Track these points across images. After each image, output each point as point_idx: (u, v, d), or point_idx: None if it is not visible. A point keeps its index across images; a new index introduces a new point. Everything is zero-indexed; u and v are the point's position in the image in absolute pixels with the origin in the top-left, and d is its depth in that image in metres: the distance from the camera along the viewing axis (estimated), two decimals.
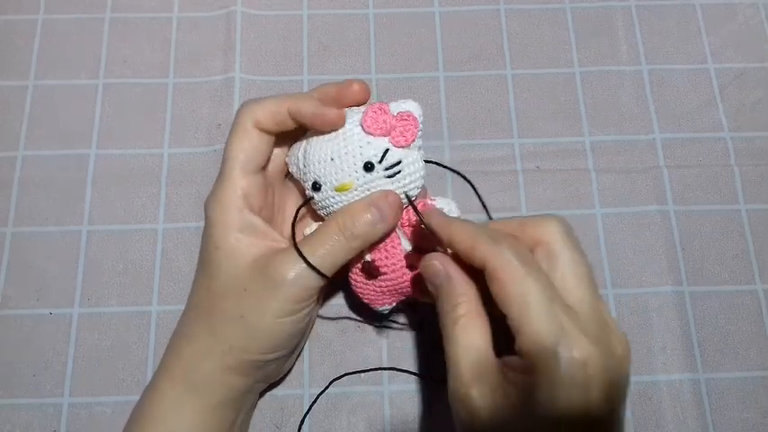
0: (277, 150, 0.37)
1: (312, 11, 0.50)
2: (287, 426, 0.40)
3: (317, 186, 0.35)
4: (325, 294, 0.41)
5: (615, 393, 0.28)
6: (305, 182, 0.36)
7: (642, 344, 0.42)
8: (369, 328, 0.42)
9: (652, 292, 0.43)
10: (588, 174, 0.46)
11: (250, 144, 0.34)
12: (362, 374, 0.41)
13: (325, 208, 0.36)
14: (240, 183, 0.34)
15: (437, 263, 0.32)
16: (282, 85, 0.48)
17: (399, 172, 0.34)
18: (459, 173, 0.38)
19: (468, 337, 0.30)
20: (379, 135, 0.34)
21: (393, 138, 0.34)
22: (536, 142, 0.46)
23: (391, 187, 0.34)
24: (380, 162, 0.34)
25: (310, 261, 0.33)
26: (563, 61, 0.49)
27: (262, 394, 0.40)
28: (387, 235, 0.35)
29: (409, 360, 0.41)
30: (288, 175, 0.39)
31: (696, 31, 0.50)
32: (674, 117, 0.47)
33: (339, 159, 0.34)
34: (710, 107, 0.48)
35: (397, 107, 0.34)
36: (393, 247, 0.35)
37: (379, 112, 0.34)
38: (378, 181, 0.34)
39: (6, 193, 0.44)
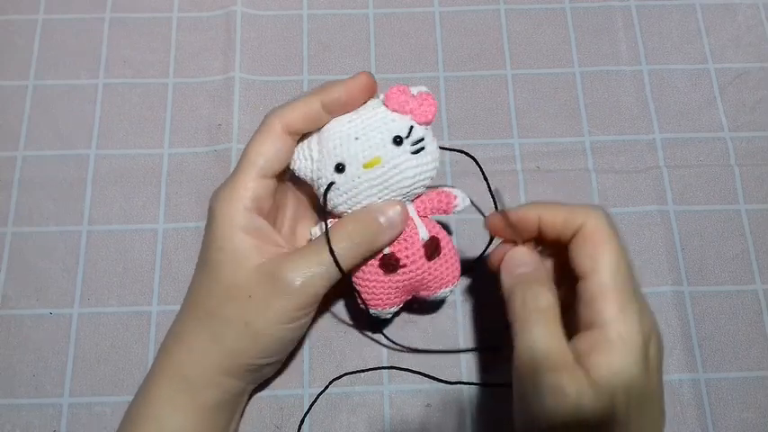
0: None
1: (312, 11, 0.50)
2: (287, 426, 0.40)
3: (340, 168, 0.34)
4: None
5: (661, 369, 0.32)
6: (320, 171, 0.35)
7: None
8: (369, 329, 0.42)
9: (652, 292, 0.43)
10: (588, 174, 0.46)
11: (273, 148, 0.34)
12: (362, 374, 0.41)
13: (349, 191, 0.35)
14: (253, 184, 0.34)
15: (524, 252, 0.33)
16: (282, 85, 0.48)
17: (423, 149, 0.35)
18: (466, 153, 0.38)
19: (553, 328, 0.31)
20: (403, 113, 0.35)
21: (416, 116, 0.35)
22: (536, 142, 0.46)
23: (414, 164, 0.35)
24: (407, 137, 0.35)
25: (317, 267, 0.33)
26: (563, 61, 0.49)
27: (253, 394, 0.39)
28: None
29: (409, 360, 0.41)
30: (290, 177, 0.38)
31: (696, 31, 0.50)
32: (674, 117, 0.47)
33: (365, 137, 0.34)
34: (710, 107, 0.48)
35: (412, 90, 0.35)
36: (411, 236, 0.35)
37: (402, 91, 0.35)
38: (403, 156, 0.34)
39: (6, 193, 0.44)
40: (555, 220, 0.33)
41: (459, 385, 0.40)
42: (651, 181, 0.46)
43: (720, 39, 0.50)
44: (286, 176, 0.38)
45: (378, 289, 0.36)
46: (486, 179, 0.38)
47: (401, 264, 0.35)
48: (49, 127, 0.46)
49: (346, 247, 0.33)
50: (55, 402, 0.40)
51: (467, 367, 0.41)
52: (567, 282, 0.33)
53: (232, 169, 0.44)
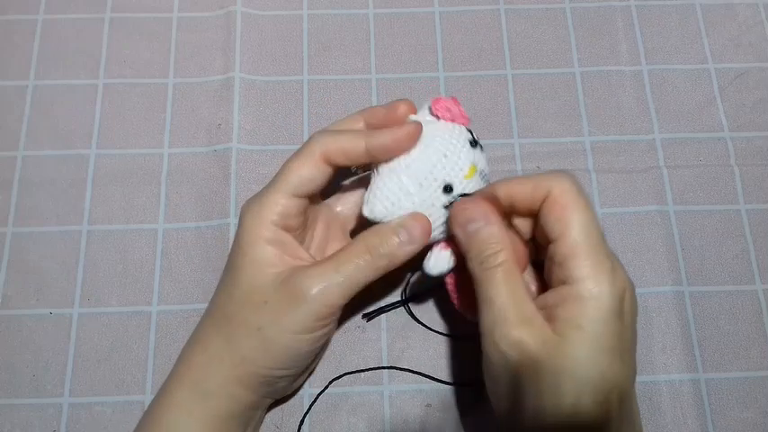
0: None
1: (312, 11, 0.50)
2: (286, 425, 0.40)
3: (449, 188, 0.35)
4: None
5: (635, 322, 0.32)
6: (427, 201, 0.35)
7: (642, 344, 0.42)
8: (369, 328, 0.42)
9: (652, 292, 0.43)
10: (588, 174, 0.46)
11: (309, 171, 0.34)
12: (362, 374, 0.41)
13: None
14: (284, 201, 0.34)
15: (474, 206, 0.33)
16: (282, 85, 0.48)
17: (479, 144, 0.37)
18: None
19: (514, 282, 0.31)
20: (451, 120, 0.36)
21: (460, 119, 0.36)
22: (536, 142, 0.46)
23: (483, 159, 0.36)
24: (474, 138, 0.36)
25: (334, 277, 0.33)
26: (563, 61, 0.49)
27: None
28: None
29: (409, 359, 0.41)
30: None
31: (696, 31, 0.50)
32: (674, 117, 0.47)
33: (450, 150, 0.35)
34: (710, 107, 0.48)
35: (438, 99, 0.37)
36: None
37: (444, 101, 0.36)
38: (477, 155, 0.36)
39: (6, 193, 0.44)
40: (523, 192, 0.33)
41: (458, 385, 0.40)
42: (651, 181, 0.46)
43: (720, 39, 0.50)
44: (318, 198, 0.38)
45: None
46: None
47: None
48: (49, 127, 0.46)
49: (366, 261, 0.33)
50: (55, 402, 0.40)
51: (467, 367, 0.41)
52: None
53: (232, 169, 0.45)
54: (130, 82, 0.48)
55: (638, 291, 0.42)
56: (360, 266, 0.33)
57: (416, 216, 0.34)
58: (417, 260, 0.36)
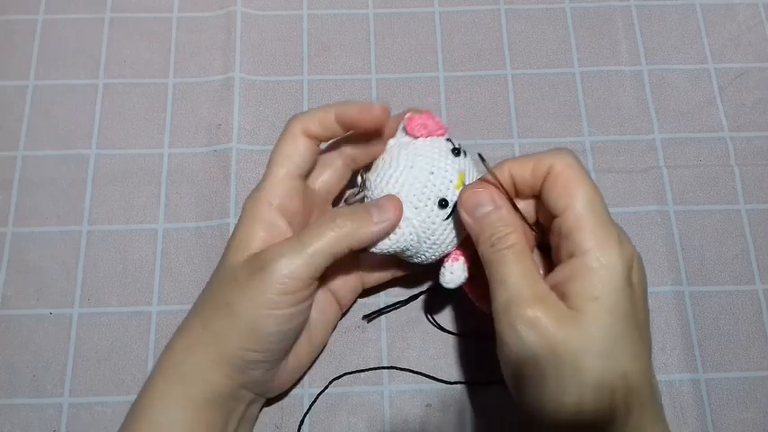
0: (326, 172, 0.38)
1: (312, 11, 0.50)
2: (286, 425, 0.40)
3: (444, 203, 0.35)
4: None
5: (646, 290, 0.32)
6: (426, 222, 0.35)
7: None
8: (369, 328, 0.42)
9: (652, 292, 0.42)
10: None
11: (294, 149, 0.35)
12: (362, 374, 0.41)
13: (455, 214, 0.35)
14: (280, 183, 0.35)
15: (481, 191, 0.33)
16: (282, 85, 0.48)
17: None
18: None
19: (526, 261, 0.31)
20: (428, 135, 0.36)
21: (436, 132, 0.36)
22: (536, 142, 0.46)
23: (470, 163, 0.37)
24: (455, 145, 0.36)
25: (297, 248, 0.33)
26: (563, 61, 0.49)
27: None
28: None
29: (409, 359, 0.41)
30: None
31: (696, 31, 0.50)
32: (674, 117, 0.47)
33: (435, 167, 0.35)
34: (710, 107, 0.48)
35: (411, 118, 0.37)
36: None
37: (417, 117, 0.36)
38: (462, 162, 0.36)
39: (6, 193, 0.44)
40: (525, 172, 0.33)
41: (459, 385, 0.40)
42: (651, 181, 0.46)
43: (720, 39, 0.50)
44: (316, 192, 0.38)
45: None
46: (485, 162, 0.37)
47: None
48: (49, 127, 0.46)
49: (331, 234, 0.33)
50: (55, 402, 0.40)
51: (467, 367, 0.41)
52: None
53: (232, 169, 0.45)
54: (130, 82, 0.48)
55: None
56: (325, 239, 0.33)
57: (389, 196, 0.35)
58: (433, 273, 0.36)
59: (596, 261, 0.30)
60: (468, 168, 0.36)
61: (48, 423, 0.39)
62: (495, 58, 0.49)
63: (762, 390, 0.41)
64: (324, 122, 0.35)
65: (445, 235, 0.35)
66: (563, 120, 0.47)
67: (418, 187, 0.35)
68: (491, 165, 0.39)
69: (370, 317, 0.41)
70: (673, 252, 0.44)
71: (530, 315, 0.30)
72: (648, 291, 0.42)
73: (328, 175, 0.38)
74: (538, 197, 0.34)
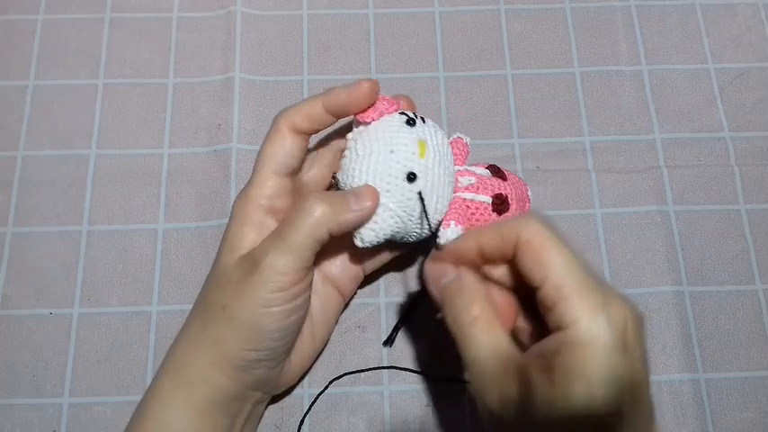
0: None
1: (312, 11, 0.50)
2: (286, 425, 0.40)
3: (411, 177, 0.34)
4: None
5: (645, 350, 0.29)
6: (402, 201, 0.34)
7: None
8: (369, 328, 0.42)
9: (652, 292, 0.43)
10: (588, 174, 0.46)
11: (282, 147, 0.35)
12: (362, 374, 0.41)
13: (431, 184, 0.34)
14: (268, 182, 0.35)
15: (443, 260, 0.32)
16: (282, 85, 0.48)
17: (421, 118, 0.36)
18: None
19: (492, 336, 0.30)
20: (379, 116, 0.35)
21: (392, 109, 0.36)
22: (536, 142, 0.46)
23: (431, 130, 0.36)
24: (411, 117, 0.35)
25: (280, 243, 0.32)
26: (563, 61, 0.49)
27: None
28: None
29: (409, 359, 0.41)
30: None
31: (696, 31, 0.50)
32: (674, 117, 0.47)
33: (393, 144, 0.34)
34: (710, 107, 0.48)
35: None
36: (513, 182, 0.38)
37: (381, 102, 0.35)
38: (421, 130, 0.35)
39: (6, 193, 0.44)
40: (493, 242, 0.31)
41: (459, 385, 0.40)
42: (651, 181, 0.46)
43: (720, 39, 0.50)
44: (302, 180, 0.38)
45: None
46: (425, 210, 0.35)
47: (509, 203, 0.36)
48: (49, 127, 0.46)
49: (309, 224, 0.33)
50: (55, 402, 0.40)
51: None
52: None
53: (232, 169, 0.45)
54: (130, 82, 0.48)
55: (638, 291, 0.43)
56: (303, 228, 0.32)
57: (366, 185, 0.34)
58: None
59: (582, 334, 0.27)
60: (428, 134, 0.35)
61: (48, 423, 0.39)
62: (495, 58, 0.49)
63: (762, 390, 0.41)
64: (311, 115, 0.35)
65: (419, 211, 0.35)
66: (563, 120, 0.47)
67: (383, 170, 0.34)
68: (486, 163, 0.39)
69: (390, 341, 0.41)
70: (673, 252, 0.44)
71: (505, 393, 0.28)
72: (648, 291, 0.43)
73: (318, 169, 0.38)
74: (512, 262, 0.31)
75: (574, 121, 0.47)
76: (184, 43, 0.49)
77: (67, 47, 0.48)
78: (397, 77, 0.48)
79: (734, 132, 0.47)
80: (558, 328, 0.28)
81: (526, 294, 0.31)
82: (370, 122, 0.35)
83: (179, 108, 0.47)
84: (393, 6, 0.50)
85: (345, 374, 0.41)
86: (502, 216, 0.36)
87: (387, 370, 0.41)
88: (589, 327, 0.27)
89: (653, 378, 0.40)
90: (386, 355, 0.41)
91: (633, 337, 0.28)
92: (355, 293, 0.42)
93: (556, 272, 0.28)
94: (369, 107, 0.35)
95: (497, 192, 0.37)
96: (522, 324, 0.33)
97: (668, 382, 0.41)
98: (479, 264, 0.32)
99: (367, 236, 0.34)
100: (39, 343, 0.41)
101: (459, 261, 0.32)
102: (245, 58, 0.48)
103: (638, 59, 0.49)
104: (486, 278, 0.32)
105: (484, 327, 0.30)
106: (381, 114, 0.35)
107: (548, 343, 0.28)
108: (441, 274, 0.32)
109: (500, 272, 0.32)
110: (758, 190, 0.45)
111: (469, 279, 0.31)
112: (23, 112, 0.47)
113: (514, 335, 0.31)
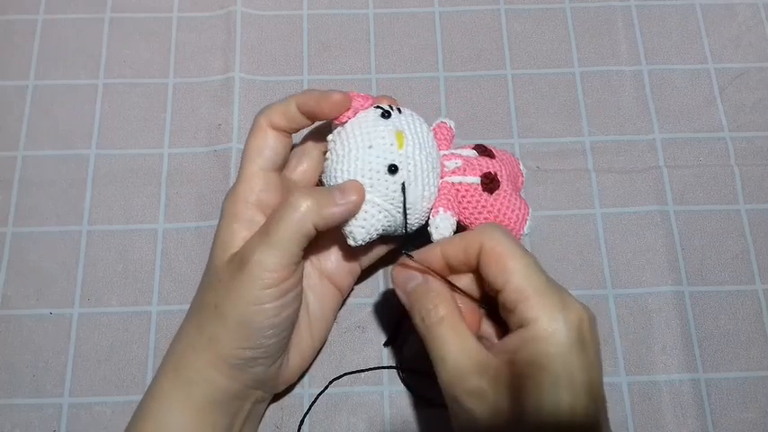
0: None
1: (312, 11, 0.50)
2: (286, 426, 0.40)
3: (393, 168, 0.34)
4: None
5: (599, 349, 0.31)
6: (387, 193, 0.34)
7: (642, 344, 0.42)
8: (369, 328, 0.42)
9: (652, 292, 0.43)
10: (588, 174, 0.46)
11: (265, 143, 0.35)
12: (362, 374, 0.41)
13: (414, 174, 0.35)
14: (254, 178, 0.35)
15: (410, 267, 0.33)
16: (282, 85, 0.48)
17: (398, 110, 0.36)
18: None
19: (458, 334, 0.31)
20: (364, 108, 0.36)
21: (367, 105, 0.36)
22: (536, 142, 0.46)
23: (409, 119, 0.36)
24: (387, 109, 0.36)
25: (266, 240, 0.32)
26: (563, 61, 0.49)
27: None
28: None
29: (409, 359, 0.41)
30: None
31: (696, 31, 0.50)
32: (674, 117, 0.47)
33: (370, 138, 0.34)
34: (710, 107, 0.48)
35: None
36: (500, 159, 0.38)
37: (355, 99, 0.36)
38: (397, 120, 0.35)
39: (6, 193, 0.44)
40: (456, 252, 0.33)
41: None
42: (651, 181, 0.46)
43: (720, 39, 0.50)
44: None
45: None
46: (404, 202, 0.35)
47: (499, 180, 0.36)
48: (49, 127, 0.46)
49: (293, 219, 0.33)
50: (55, 402, 0.40)
51: None
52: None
53: (232, 169, 0.45)
54: (130, 82, 0.48)
55: (637, 291, 0.43)
56: (289, 223, 0.33)
57: (351, 180, 0.34)
58: None
59: (542, 330, 0.29)
60: (405, 124, 0.35)
61: (48, 423, 0.39)
62: (495, 58, 0.49)
63: (762, 390, 0.41)
64: (287, 115, 0.35)
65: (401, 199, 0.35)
66: (563, 120, 0.47)
67: (363, 166, 0.34)
68: (472, 144, 0.39)
69: (390, 341, 0.41)
70: (673, 252, 0.44)
71: (475, 386, 0.30)
72: (648, 291, 0.43)
73: (307, 165, 0.38)
74: (476, 272, 0.33)
75: (574, 121, 0.47)
76: (184, 43, 0.49)
77: (67, 47, 0.49)
78: (397, 77, 0.48)
79: (734, 132, 0.47)
80: (520, 327, 0.30)
81: (489, 304, 0.34)
82: (346, 122, 0.35)
83: (179, 108, 0.47)
84: (393, 6, 0.50)
85: (345, 374, 0.41)
86: (494, 194, 0.36)
87: (387, 370, 0.41)
88: (549, 323, 0.29)
89: (653, 378, 0.41)
90: (386, 355, 0.41)
91: (589, 336, 0.30)
92: (353, 289, 0.42)
93: (517, 276, 0.30)
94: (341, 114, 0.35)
95: (485, 171, 0.37)
96: (486, 330, 0.34)
97: (668, 382, 0.41)
98: (446, 273, 0.34)
99: (359, 234, 0.35)
100: (39, 343, 0.41)
101: (426, 270, 0.33)
102: (245, 58, 0.48)
103: (638, 59, 0.49)
104: (452, 287, 0.33)
105: (450, 326, 0.32)
106: (356, 111, 0.35)
107: (510, 340, 0.30)
108: (408, 278, 0.34)
109: (464, 281, 0.34)
110: (758, 190, 0.45)
111: (435, 283, 0.33)
112: (23, 112, 0.47)
113: (478, 339, 0.33)
